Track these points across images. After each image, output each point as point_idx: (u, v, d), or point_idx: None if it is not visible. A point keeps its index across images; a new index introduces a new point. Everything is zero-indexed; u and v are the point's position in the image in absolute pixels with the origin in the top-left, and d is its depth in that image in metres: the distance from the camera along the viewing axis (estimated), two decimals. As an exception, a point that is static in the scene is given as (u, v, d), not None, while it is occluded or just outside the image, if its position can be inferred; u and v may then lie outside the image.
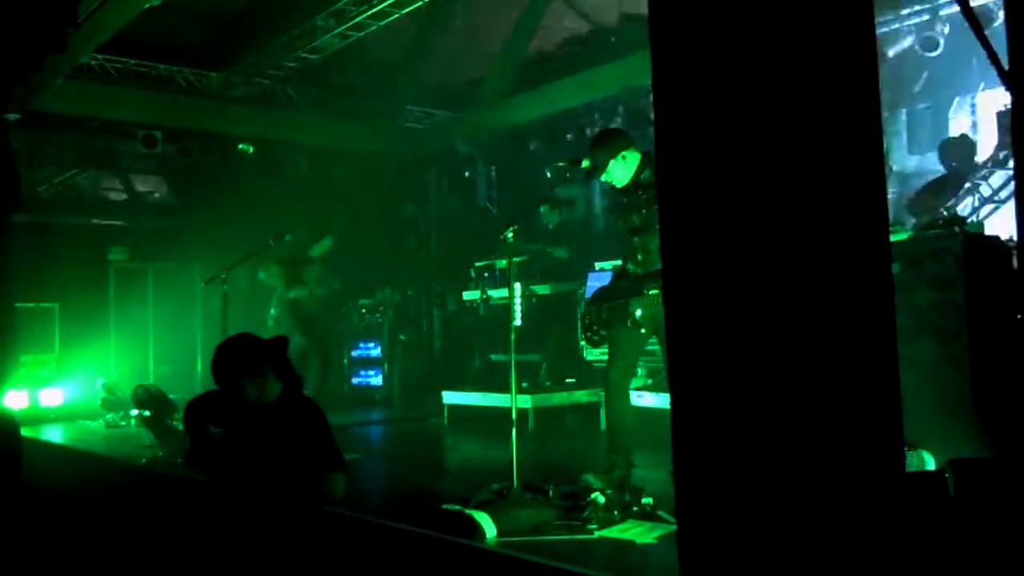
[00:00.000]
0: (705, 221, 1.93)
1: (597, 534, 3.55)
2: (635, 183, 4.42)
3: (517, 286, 4.81)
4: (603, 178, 4.49)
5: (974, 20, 2.11)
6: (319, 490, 3.65)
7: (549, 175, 4.86)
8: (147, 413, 6.51)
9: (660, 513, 3.69)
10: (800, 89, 1.86)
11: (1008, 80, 1.93)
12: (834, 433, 1.83)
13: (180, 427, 6.10)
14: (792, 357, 1.84)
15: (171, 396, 6.78)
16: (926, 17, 7.43)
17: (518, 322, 4.74)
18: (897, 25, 7.65)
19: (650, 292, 4.19)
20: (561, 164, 4.62)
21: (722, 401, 1.90)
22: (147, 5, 6.67)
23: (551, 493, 3.98)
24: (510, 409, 4.29)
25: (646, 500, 3.79)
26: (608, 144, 4.44)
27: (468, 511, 3.63)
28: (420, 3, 7.89)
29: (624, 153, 4.38)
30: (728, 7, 1.88)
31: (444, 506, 3.92)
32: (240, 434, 3.79)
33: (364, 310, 10.26)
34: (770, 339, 1.87)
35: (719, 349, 1.92)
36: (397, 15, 8.15)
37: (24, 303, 9.82)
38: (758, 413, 1.86)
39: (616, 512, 3.69)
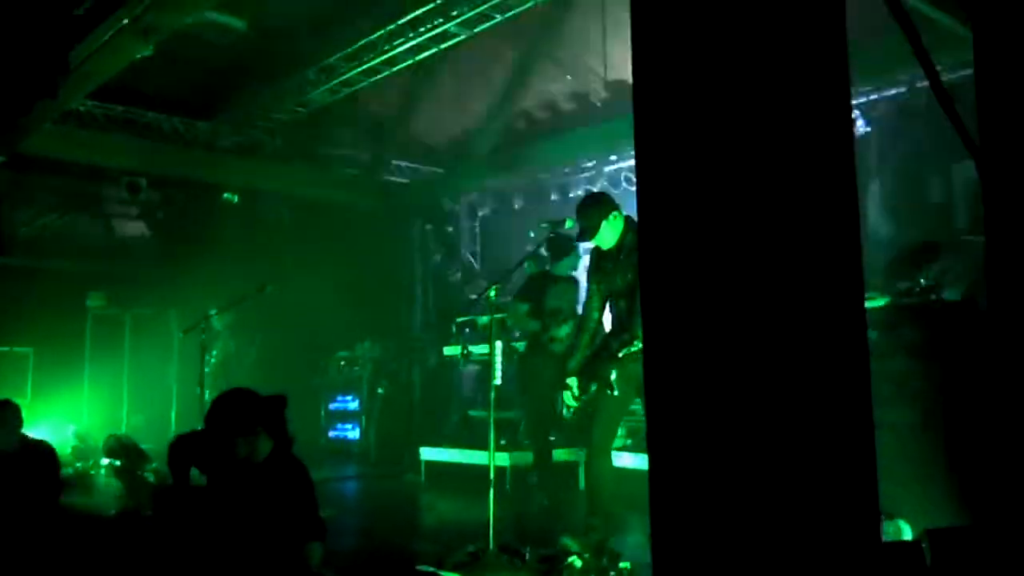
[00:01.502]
0: (682, 281, 1.95)
1: (573, 598, 3.50)
2: (619, 247, 4.46)
3: (499, 344, 4.80)
4: (593, 240, 4.51)
5: (944, 95, 2.17)
6: (298, 556, 3.56)
7: (533, 235, 4.90)
8: (118, 463, 6.41)
9: (637, 578, 3.65)
10: (777, 163, 1.90)
11: (977, 156, 1.98)
12: (811, 501, 1.83)
13: (151, 478, 6.02)
14: (768, 424, 1.84)
15: (144, 446, 6.68)
16: (903, 89, 7.64)
17: (498, 380, 4.71)
18: (875, 95, 7.85)
19: (620, 354, 4.21)
20: (545, 224, 4.66)
21: (699, 463, 1.90)
22: (139, 56, 6.74)
23: (527, 556, 3.93)
24: (488, 467, 4.25)
25: (624, 565, 3.75)
26: (600, 206, 4.48)
27: (443, 573, 3.57)
28: (410, 61, 8.01)
29: (613, 214, 4.42)
30: (706, 79, 1.93)
31: (418, 567, 3.86)
32: (226, 488, 3.72)
33: (343, 362, 10.20)
34: (749, 400, 1.88)
35: (697, 409, 1.93)
36: (387, 72, 8.27)
37: (-3, 347, 9.72)
38: (736, 479, 1.85)
39: (593, 576, 3.65)
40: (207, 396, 6.06)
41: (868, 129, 7.92)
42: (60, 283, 10.95)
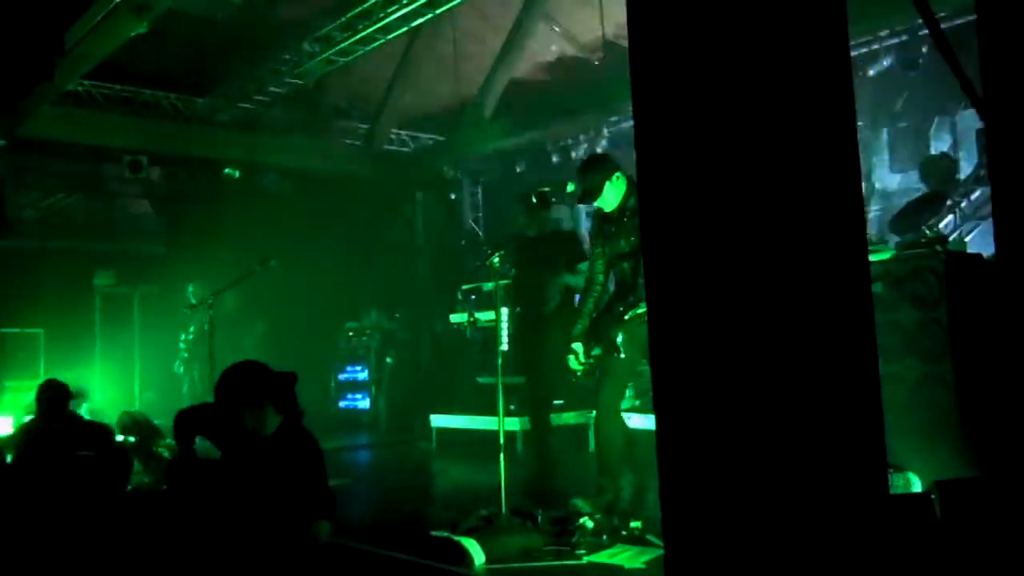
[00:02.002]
0: (684, 244, 1.94)
1: (586, 559, 3.54)
2: (622, 208, 4.42)
3: (504, 310, 4.81)
4: (596, 203, 4.47)
5: (947, 47, 2.14)
6: (306, 530, 3.56)
7: (535, 200, 4.87)
8: (132, 439, 6.45)
9: (649, 537, 3.68)
10: (777, 115, 1.88)
11: (981, 106, 1.96)
12: (818, 455, 1.84)
13: (166, 454, 6.07)
14: (773, 377, 1.85)
15: (157, 422, 6.73)
16: (905, 38, 7.54)
17: (505, 346, 4.72)
18: (876, 45, 7.76)
19: (626, 317, 4.22)
20: (546, 188, 4.63)
21: (706, 422, 1.91)
22: (133, 33, 6.69)
23: (540, 518, 3.97)
24: (498, 432, 4.27)
25: (635, 524, 3.78)
26: (602, 167, 4.43)
27: (456, 537, 3.61)
28: (405, 29, 7.94)
29: (616, 175, 4.36)
30: (704, 43, 1.91)
31: (432, 532, 3.90)
32: (236, 462, 3.74)
33: (351, 333, 10.23)
34: (751, 359, 1.88)
35: (701, 370, 1.93)
36: (382, 40, 8.20)
37: (9, 328, 9.77)
38: (741, 435, 1.86)
39: (605, 537, 3.69)
40: (216, 371, 6.10)
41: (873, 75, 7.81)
42: (67, 263, 11.00)
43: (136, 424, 6.52)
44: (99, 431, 5.71)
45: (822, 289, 1.89)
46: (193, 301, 8.38)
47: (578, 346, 4.44)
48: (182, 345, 9.36)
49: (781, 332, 1.86)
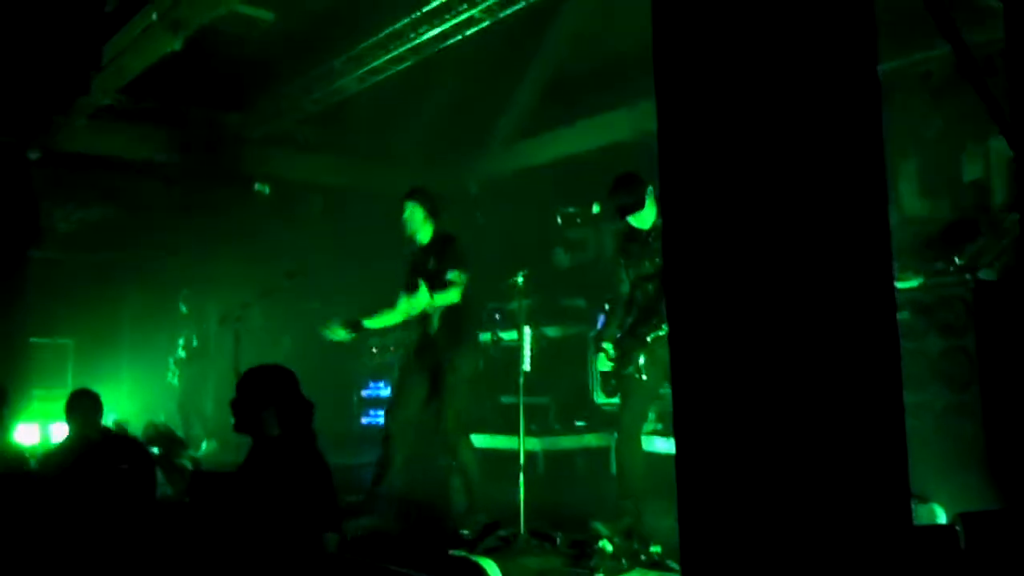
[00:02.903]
0: (707, 270, 1.94)
1: (604, 582, 3.51)
2: (653, 227, 4.45)
3: (527, 330, 4.83)
4: (631, 218, 4.48)
5: (975, 73, 2.13)
6: (314, 543, 3.57)
7: (560, 221, 4.89)
8: (156, 450, 6.50)
9: (668, 563, 3.66)
10: (804, 142, 1.88)
11: (1009, 134, 1.95)
12: (840, 485, 1.82)
13: (188, 465, 6.11)
14: (797, 406, 1.83)
15: (181, 434, 6.78)
16: (937, 64, 7.47)
17: (527, 367, 4.74)
18: (908, 70, 7.69)
19: (648, 339, 4.21)
20: (572, 210, 4.65)
21: (726, 449, 1.89)
22: (168, 50, 6.80)
23: (558, 540, 3.95)
24: (519, 452, 4.27)
25: (654, 548, 3.76)
26: (639, 183, 4.47)
27: (474, 557, 3.60)
28: (436, 48, 8.00)
29: (650, 189, 4.41)
30: (731, 58, 1.92)
31: (450, 551, 3.89)
32: (247, 475, 3.76)
33: (375, 349, 10.26)
34: (775, 385, 1.87)
35: (723, 395, 1.92)
36: (413, 60, 8.27)
37: (39, 338, 9.90)
38: (763, 462, 1.85)
39: (624, 561, 3.67)
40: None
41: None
42: (97, 274, 11.14)
43: (160, 435, 6.58)
44: (132, 445, 5.69)
45: (847, 317, 1.87)
46: (184, 310, 8.45)
47: (608, 345, 4.48)
48: (182, 353, 9.40)
49: (804, 361, 1.84)
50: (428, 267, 5.22)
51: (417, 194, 5.28)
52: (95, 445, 5.33)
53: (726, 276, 1.92)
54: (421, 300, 4.98)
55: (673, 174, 2.05)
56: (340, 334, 5.15)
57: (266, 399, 3.61)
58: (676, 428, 2.05)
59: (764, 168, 1.90)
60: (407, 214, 5.29)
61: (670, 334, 2.05)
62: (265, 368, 3.76)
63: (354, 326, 5.18)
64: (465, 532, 4.48)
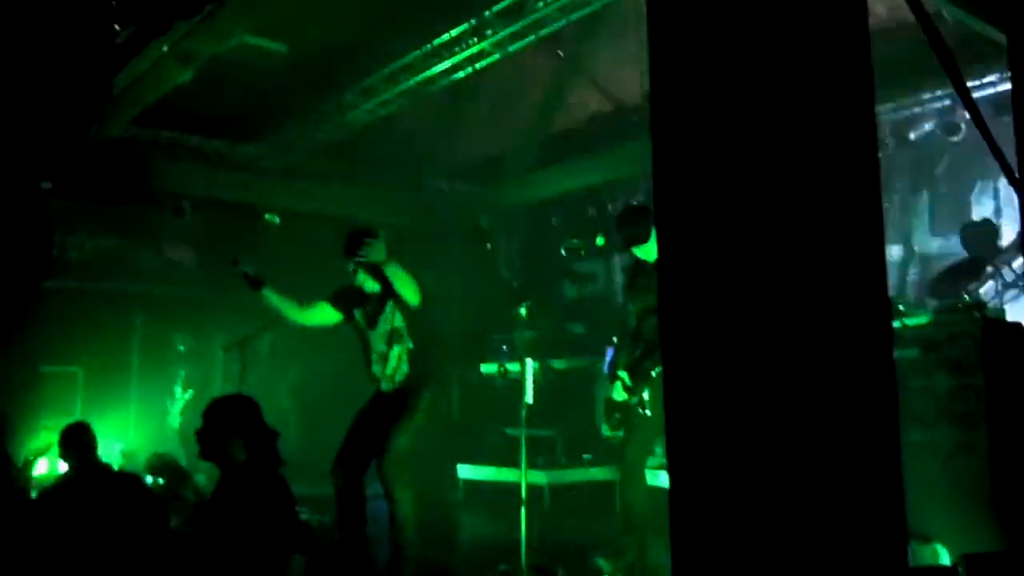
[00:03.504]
0: (701, 299, 1.92)
1: (604, 620, 3.46)
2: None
3: (529, 362, 4.81)
4: (637, 250, 4.49)
5: (978, 114, 2.13)
6: (280, 567, 3.58)
7: (564, 253, 4.91)
8: (160, 481, 6.49)
9: (669, 600, 3.59)
10: (798, 176, 1.87)
11: (1014, 180, 1.93)
12: (835, 524, 1.79)
13: (192, 497, 6.08)
14: (790, 443, 1.81)
15: (184, 464, 6.77)
16: (947, 102, 7.50)
17: (530, 399, 4.71)
18: (918, 109, 7.72)
19: (653, 373, 4.19)
20: (576, 242, 4.65)
21: (720, 488, 1.86)
22: (179, 81, 6.88)
23: (559, 575, 3.90)
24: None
25: (656, 585, 3.70)
26: (646, 215, 4.48)
27: (473, 592, 3.56)
28: (446, 82, 8.07)
29: None
30: (724, 83, 1.91)
31: (449, 586, 3.85)
32: (215, 501, 3.77)
33: (383, 381, 10.22)
34: (768, 419, 1.84)
35: (716, 430, 1.90)
36: (425, 92, 8.34)
37: (48, 367, 9.92)
38: (756, 501, 1.82)
39: (624, 597, 3.61)
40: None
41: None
42: (107, 304, 11.18)
43: (165, 466, 6.56)
44: (131, 481, 5.53)
45: (842, 356, 1.85)
46: (181, 349, 8.46)
47: (623, 374, 4.47)
48: (181, 391, 9.38)
49: (798, 394, 1.82)
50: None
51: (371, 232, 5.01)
52: (94, 481, 5.25)
53: (718, 310, 1.90)
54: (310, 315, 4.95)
55: (668, 197, 2.04)
56: (248, 269, 4.98)
57: (232, 428, 3.65)
58: (670, 463, 2.02)
59: (757, 204, 1.88)
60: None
61: (664, 365, 2.03)
62: (229, 398, 3.84)
63: (255, 283, 5.01)
64: None
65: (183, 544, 4.85)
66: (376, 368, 4.94)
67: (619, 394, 4.47)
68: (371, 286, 4.95)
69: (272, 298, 4.98)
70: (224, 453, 3.66)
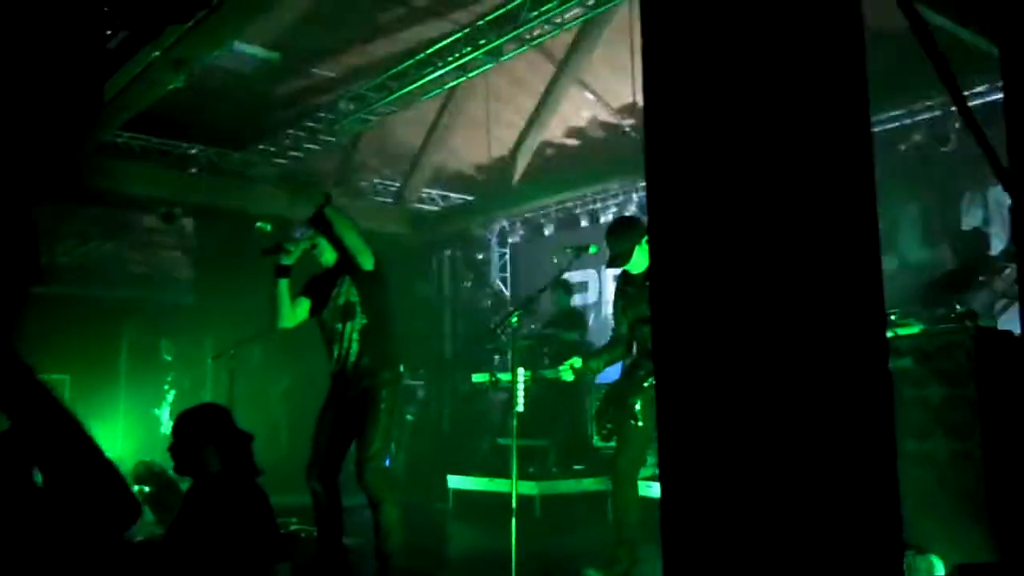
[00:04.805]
0: (695, 309, 1.90)
1: (595, 632, 3.42)
2: (648, 272, 4.40)
3: (520, 371, 4.77)
4: (624, 267, 4.45)
5: (973, 121, 2.12)
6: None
7: (556, 261, 4.88)
8: (147, 489, 6.42)
9: (662, 611, 3.56)
10: (792, 183, 1.85)
11: (1007, 182, 1.92)
12: (828, 535, 1.77)
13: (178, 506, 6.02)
14: (785, 454, 1.78)
15: (172, 474, 6.69)
16: (937, 112, 7.53)
17: (520, 408, 4.67)
18: (908, 120, 7.74)
19: (645, 384, 4.16)
20: (569, 250, 4.63)
21: (712, 498, 1.84)
22: (171, 87, 6.86)
23: (550, 587, 3.86)
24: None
25: (648, 597, 3.67)
26: (632, 231, 4.42)
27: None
28: (438, 91, 8.07)
29: (645, 239, 4.33)
30: (718, 89, 1.90)
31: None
32: (192, 507, 3.72)
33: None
34: (763, 430, 1.82)
35: (709, 441, 1.87)
36: (417, 101, 8.33)
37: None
38: (749, 512, 1.79)
39: (616, 609, 3.58)
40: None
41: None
42: (97, 311, 11.10)
43: (152, 475, 6.50)
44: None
45: (837, 365, 1.83)
46: (168, 358, 8.40)
47: (576, 359, 4.47)
48: (170, 399, 9.32)
49: (792, 404, 1.80)
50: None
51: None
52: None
53: (717, 324, 1.88)
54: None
55: (661, 203, 2.02)
56: (288, 260, 4.80)
57: (204, 437, 3.59)
58: (661, 473, 1.99)
59: (752, 214, 1.87)
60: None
61: (656, 375, 2.01)
62: (198, 408, 3.76)
63: (284, 271, 4.81)
64: None
65: (150, 554, 4.79)
66: (335, 348, 4.78)
67: (599, 440, 4.44)
68: (328, 256, 4.83)
69: (283, 293, 4.86)
70: (199, 464, 3.59)
